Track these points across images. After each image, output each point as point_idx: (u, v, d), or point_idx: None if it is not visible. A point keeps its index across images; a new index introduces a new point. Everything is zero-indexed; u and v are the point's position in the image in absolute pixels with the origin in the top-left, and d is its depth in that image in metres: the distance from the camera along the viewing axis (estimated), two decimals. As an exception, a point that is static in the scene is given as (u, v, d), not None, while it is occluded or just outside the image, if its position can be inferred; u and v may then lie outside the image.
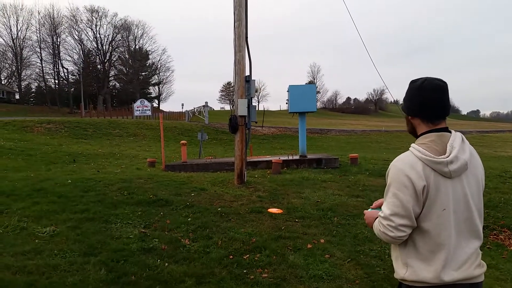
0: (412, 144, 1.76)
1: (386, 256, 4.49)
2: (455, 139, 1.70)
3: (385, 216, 1.69)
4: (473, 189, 1.72)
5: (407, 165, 1.67)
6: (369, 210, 1.98)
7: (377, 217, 1.80)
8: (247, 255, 4.30)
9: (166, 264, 3.97)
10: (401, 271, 1.75)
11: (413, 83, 1.81)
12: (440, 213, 1.65)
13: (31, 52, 60.71)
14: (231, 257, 4.24)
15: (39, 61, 60.60)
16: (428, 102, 1.73)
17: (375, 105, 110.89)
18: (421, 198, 1.64)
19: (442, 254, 1.65)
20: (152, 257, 4.12)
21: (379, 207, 1.92)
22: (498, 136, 34.01)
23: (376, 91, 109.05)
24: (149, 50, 70.56)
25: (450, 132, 1.74)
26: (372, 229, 1.87)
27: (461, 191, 1.68)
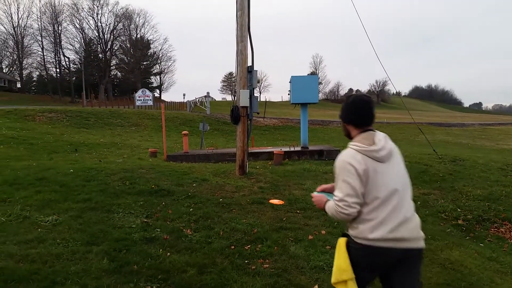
0: (350, 143, 2.26)
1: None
2: (379, 135, 2.26)
3: (340, 198, 2.14)
4: (400, 169, 2.25)
5: (349, 157, 2.17)
6: (316, 193, 2.45)
7: (326, 200, 2.33)
8: (249, 246, 4.32)
9: (168, 253, 3.99)
10: (350, 231, 2.25)
11: (347, 99, 2.37)
12: (379, 189, 2.13)
13: (32, 41, 60.43)
14: (233, 247, 4.25)
15: (40, 50, 60.34)
16: (359, 114, 2.29)
17: (377, 97, 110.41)
18: (364, 179, 2.12)
19: (382, 219, 2.11)
20: (154, 246, 4.14)
21: (324, 191, 2.45)
22: (500, 129, 33.93)
23: (378, 83, 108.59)
24: (151, 39, 70.14)
25: (374, 131, 2.28)
26: (320, 209, 2.39)
27: (392, 171, 2.19)
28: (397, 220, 2.11)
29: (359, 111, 2.28)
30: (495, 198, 6.91)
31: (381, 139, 2.22)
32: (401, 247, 2.11)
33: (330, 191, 2.40)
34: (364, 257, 2.18)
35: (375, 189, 2.12)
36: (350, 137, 2.36)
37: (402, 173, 2.24)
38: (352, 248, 2.22)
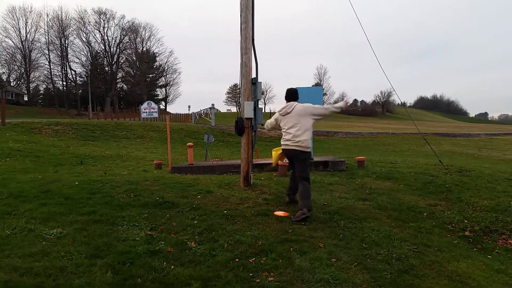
0: (304, 104, 6.27)
1: (393, 260, 4.45)
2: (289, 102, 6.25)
3: (266, 123, 6.64)
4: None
5: (277, 113, 6.38)
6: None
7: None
8: (253, 258, 4.29)
9: (172, 266, 3.97)
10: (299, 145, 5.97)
11: (291, 89, 6.49)
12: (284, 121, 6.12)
13: (40, 54, 61.49)
14: (237, 260, 4.22)
15: (47, 63, 61.33)
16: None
17: (382, 107, 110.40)
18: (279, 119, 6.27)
19: (287, 135, 6.01)
20: (158, 259, 4.12)
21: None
22: (506, 139, 33.69)
23: (383, 93, 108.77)
24: (156, 52, 71.05)
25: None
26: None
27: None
28: (289, 136, 5.95)
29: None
30: (503, 209, 6.83)
31: (288, 105, 6.21)
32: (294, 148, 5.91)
33: None
34: None
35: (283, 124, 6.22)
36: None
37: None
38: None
